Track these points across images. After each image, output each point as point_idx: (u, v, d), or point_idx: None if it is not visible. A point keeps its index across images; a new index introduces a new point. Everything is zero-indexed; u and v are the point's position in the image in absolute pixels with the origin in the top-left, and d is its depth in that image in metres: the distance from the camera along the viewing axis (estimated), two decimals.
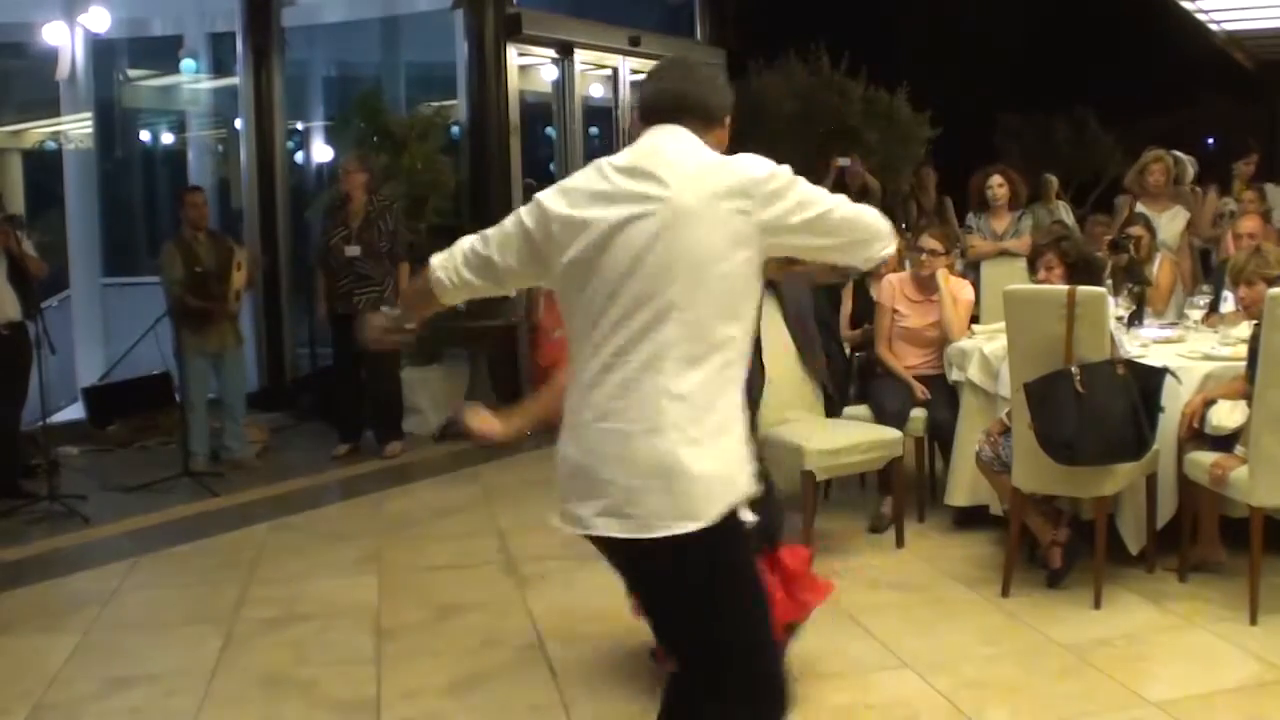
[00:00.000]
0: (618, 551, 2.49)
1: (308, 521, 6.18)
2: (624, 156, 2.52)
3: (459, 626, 4.56)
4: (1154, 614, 4.44)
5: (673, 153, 2.48)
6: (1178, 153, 7.87)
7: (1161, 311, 6.02)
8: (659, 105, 2.58)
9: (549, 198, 2.53)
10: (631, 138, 2.64)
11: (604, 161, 2.53)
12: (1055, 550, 4.71)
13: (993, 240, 7.48)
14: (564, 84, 9.63)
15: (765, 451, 5.38)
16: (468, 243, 2.66)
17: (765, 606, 2.59)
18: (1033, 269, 5.05)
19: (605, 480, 2.41)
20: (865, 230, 2.55)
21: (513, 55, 8.90)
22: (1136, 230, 6.34)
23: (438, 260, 2.68)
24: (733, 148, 2.70)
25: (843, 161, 9.65)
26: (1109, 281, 6.07)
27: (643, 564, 2.47)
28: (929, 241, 5.77)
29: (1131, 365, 4.47)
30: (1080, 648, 4.13)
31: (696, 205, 2.38)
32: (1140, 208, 7.41)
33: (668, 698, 2.65)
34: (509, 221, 2.60)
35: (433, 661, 4.18)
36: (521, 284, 2.79)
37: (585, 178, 2.52)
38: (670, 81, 2.61)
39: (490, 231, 2.64)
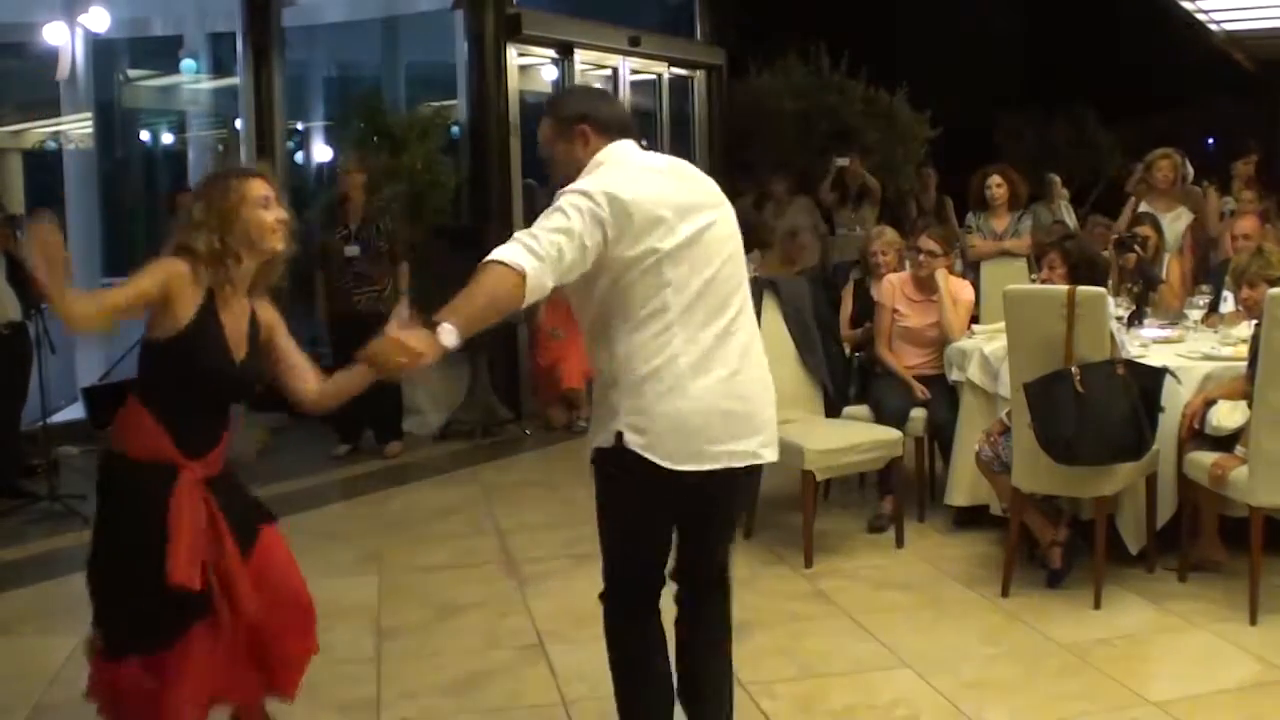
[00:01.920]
0: (741, 477, 3.04)
1: (308, 521, 6.17)
2: (664, 161, 3.10)
3: (459, 626, 4.56)
4: (1154, 614, 4.44)
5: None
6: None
7: (1177, 310, 5.98)
8: (627, 123, 3.12)
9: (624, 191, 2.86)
10: (587, 149, 3.04)
11: (652, 162, 3.07)
12: (1055, 550, 4.71)
13: (993, 240, 7.49)
14: (564, 84, 9.62)
15: None
16: (554, 248, 2.73)
17: None
18: (1037, 267, 5.06)
19: (765, 419, 3.02)
20: None
21: (513, 55, 8.90)
22: (1144, 230, 6.32)
23: (531, 268, 2.69)
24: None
25: (841, 161, 9.66)
26: (1109, 281, 6.07)
27: (749, 484, 3.21)
28: (927, 243, 5.77)
29: (1131, 365, 4.47)
30: (1080, 648, 4.13)
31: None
32: (1145, 207, 7.41)
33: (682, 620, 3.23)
34: (583, 218, 2.78)
35: (433, 661, 4.18)
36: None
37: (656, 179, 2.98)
38: (620, 106, 3.23)
39: (560, 234, 2.75)
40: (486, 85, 8.70)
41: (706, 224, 2.94)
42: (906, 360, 5.77)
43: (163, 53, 10.44)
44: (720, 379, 2.91)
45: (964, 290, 5.88)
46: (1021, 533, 4.74)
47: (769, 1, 12.42)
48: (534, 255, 2.70)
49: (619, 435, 2.89)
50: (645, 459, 2.89)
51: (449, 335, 2.64)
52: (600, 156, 3.00)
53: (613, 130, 3.03)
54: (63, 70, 9.20)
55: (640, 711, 3.21)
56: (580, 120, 3.03)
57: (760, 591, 4.80)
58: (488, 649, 4.31)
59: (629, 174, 2.93)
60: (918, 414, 5.61)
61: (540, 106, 10.11)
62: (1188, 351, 5.08)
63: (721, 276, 2.95)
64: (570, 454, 7.62)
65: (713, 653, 3.24)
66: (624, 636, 3.17)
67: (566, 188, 2.88)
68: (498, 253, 2.70)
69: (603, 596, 3.16)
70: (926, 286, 5.77)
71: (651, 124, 10.56)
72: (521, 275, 2.67)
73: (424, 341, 2.63)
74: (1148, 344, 5.27)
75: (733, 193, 2.99)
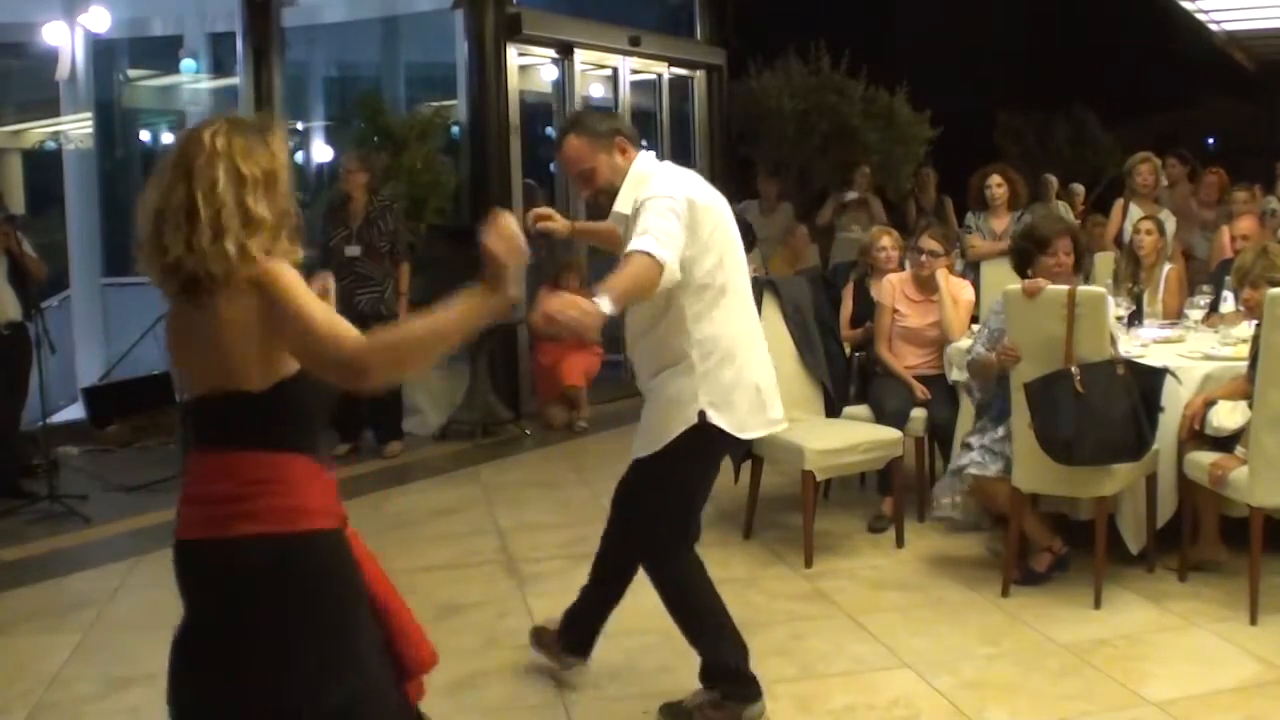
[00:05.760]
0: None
1: None
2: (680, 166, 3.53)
3: (459, 626, 4.55)
4: (1154, 614, 4.44)
5: None
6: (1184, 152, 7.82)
7: (1177, 310, 5.98)
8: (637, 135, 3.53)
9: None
10: (626, 157, 3.43)
11: (680, 168, 3.50)
12: (1046, 556, 4.73)
13: (992, 240, 7.49)
14: (564, 84, 9.62)
15: (765, 451, 5.40)
16: (675, 243, 3.17)
17: None
18: (1043, 253, 4.78)
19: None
20: None
21: (513, 55, 8.90)
22: (1146, 225, 6.29)
23: (668, 259, 3.12)
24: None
25: (850, 195, 9.74)
26: (1109, 281, 6.06)
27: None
28: (928, 242, 5.77)
29: (1131, 365, 4.47)
30: (1080, 648, 4.13)
31: None
32: (1134, 209, 7.41)
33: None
34: (679, 220, 3.21)
35: None
36: None
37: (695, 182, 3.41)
38: None
39: (674, 234, 3.18)
40: (486, 85, 8.70)
41: (728, 218, 3.41)
42: (906, 360, 5.77)
43: (163, 53, 10.44)
44: (762, 354, 3.49)
45: (964, 290, 5.88)
46: (1022, 532, 4.73)
47: (769, 1, 12.43)
48: (667, 249, 3.10)
49: (701, 414, 3.36)
50: (724, 431, 3.39)
51: (607, 305, 2.86)
52: (640, 165, 3.42)
53: (635, 141, 3.46)
54: (63, 70, 9.21)
55: (728, 624, 3.58)
56: (615, 134, 3.42)
57: (760, 591, 4.80)
58: (488, 649, 4.31)
59: (684, 179, 3.37)
60: (918, 414, 5.62)
61: (540, 106, 10.16)
62: (1188, 351, 5.07)
63: (740, 261, 3.47)
64: (570, 454, 7.63)
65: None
66: (686, 571, 3.57)
67: (653, 193, 3.23)
68: (640, 244, 3.09)
69: (651, 559, 3.56)
70: (927, 286, 5.77)
71: (651, 124, 10.55)
72: (661, 265, 3.07)
73: (593, 305, 2.79)
74: (1148, 344, 5.27)
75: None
